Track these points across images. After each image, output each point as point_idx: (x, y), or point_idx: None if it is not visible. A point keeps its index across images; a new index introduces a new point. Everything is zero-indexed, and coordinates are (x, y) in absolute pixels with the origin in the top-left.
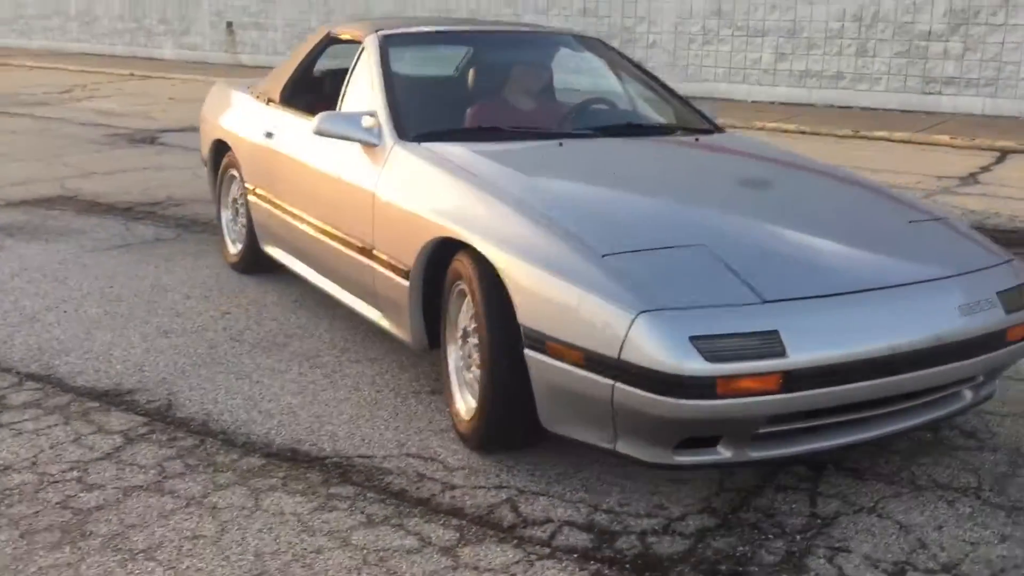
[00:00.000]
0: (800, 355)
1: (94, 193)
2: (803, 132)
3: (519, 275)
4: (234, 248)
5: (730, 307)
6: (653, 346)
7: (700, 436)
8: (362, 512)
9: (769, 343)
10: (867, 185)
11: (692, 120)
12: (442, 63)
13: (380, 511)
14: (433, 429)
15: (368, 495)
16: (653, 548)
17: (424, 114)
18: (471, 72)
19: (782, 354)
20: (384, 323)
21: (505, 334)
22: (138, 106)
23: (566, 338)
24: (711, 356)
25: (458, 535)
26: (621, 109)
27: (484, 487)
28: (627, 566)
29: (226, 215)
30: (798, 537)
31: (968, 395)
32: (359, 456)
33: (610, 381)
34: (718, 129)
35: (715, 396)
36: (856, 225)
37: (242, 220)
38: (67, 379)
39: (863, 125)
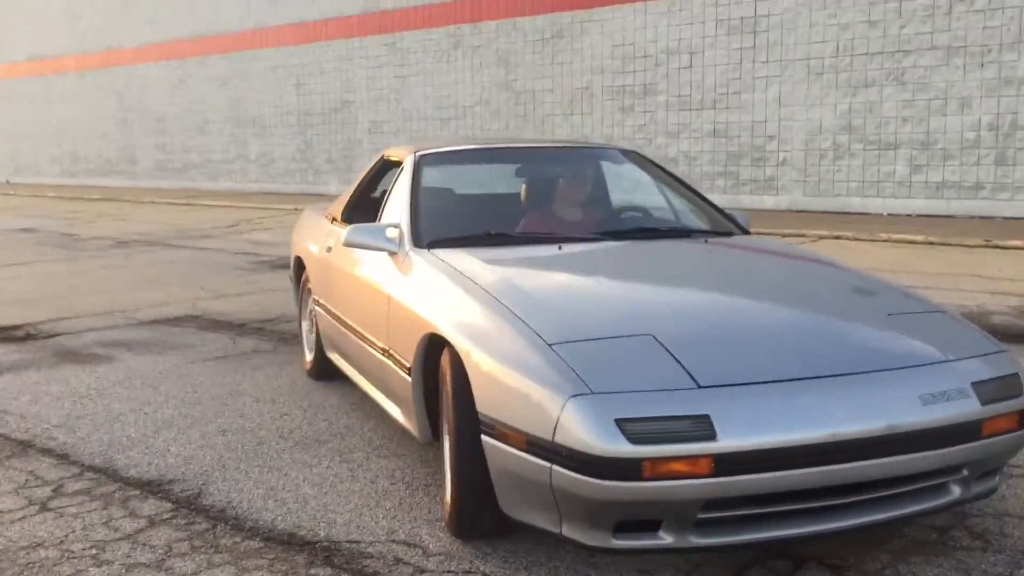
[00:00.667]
0: (732, 440)
1: (219, 312)
2: (931, 243)
3: (479, 364)
4: (309, 356)
5: (663, 391)
6: (581, 429)
7: (640, 520)
8: None
9: (699, 427)
10: (866, 281)
11: (717, 224)
12: (491, 179)
13: None
14: (428, 518)
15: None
16: None
17: (441, 224)
18: (509, 186)
19: (712, 438)
20: (400, 419)
21: (469, 421)
22: (290, 236)
23: (511, 422)
24: (636, 438)
25: None
26: (637, 215)
27: (453, 571)
28: None
29: (305, 326)
30: None
31: (956, 490)
32: (348, 541)
33: (547, 464)
34: (744, 232)
35: (641, 478)
36: (827, 316)
37: (315, 330)
38: (121, 471)
39: (1000, 235)
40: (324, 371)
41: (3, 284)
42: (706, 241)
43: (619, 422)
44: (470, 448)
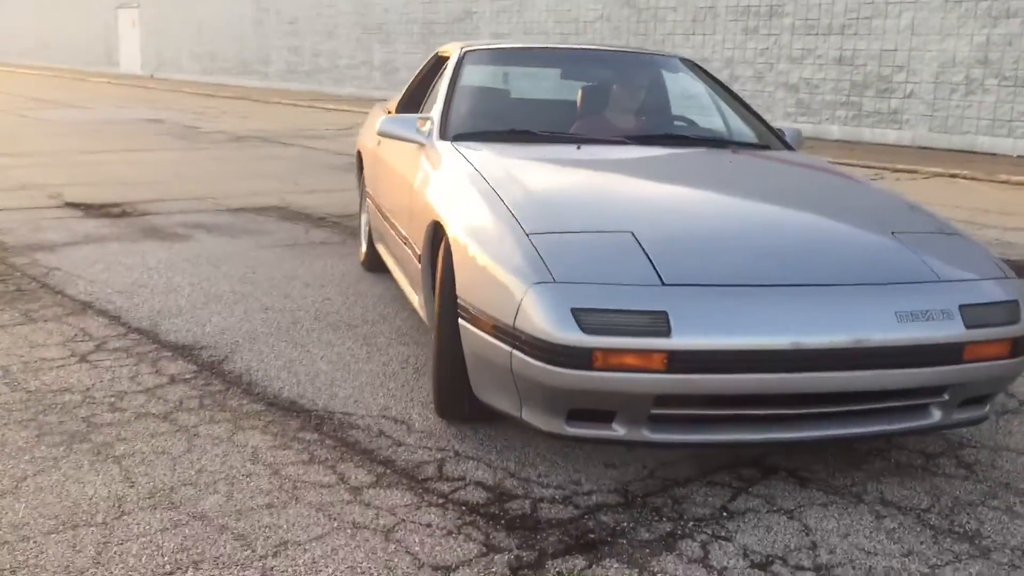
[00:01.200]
0: (686, 337)
1: (303, 205)
2: None
3: (464, 250)
4: (363, 248)
5: (626, 286)
6: (539, 316)
7: (594, 410)
8: (309, 453)
9: (655, 323)
10: (887, 201)
11: (759, 138)
12: (559, 86)
13: (325, 454)
14: (424, 401)
15: (326, 442)
16: (539, 512)
17: (472, 119)
18: (546, 86)
19: (666, 334)
20: (416, 305)
21: (451, 306)
22: None
23: (482, 307)
24: (589, 328)
25: (374, 479)
26: (678, 123)
27: (427, 447)
28: (501, 522)
29: (363, 219)
30: (690, 524)
31: (936, 414)
32: (342, 413)
33: (508, 348)
34: (787, 148)
35: (592, 368)
36: (822, 229)
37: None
38: (162, 335)
39: None
40: (375, 263)
41: (117, 167)
42: (733, 151)
43: (575, 311)
44: (450, 331)
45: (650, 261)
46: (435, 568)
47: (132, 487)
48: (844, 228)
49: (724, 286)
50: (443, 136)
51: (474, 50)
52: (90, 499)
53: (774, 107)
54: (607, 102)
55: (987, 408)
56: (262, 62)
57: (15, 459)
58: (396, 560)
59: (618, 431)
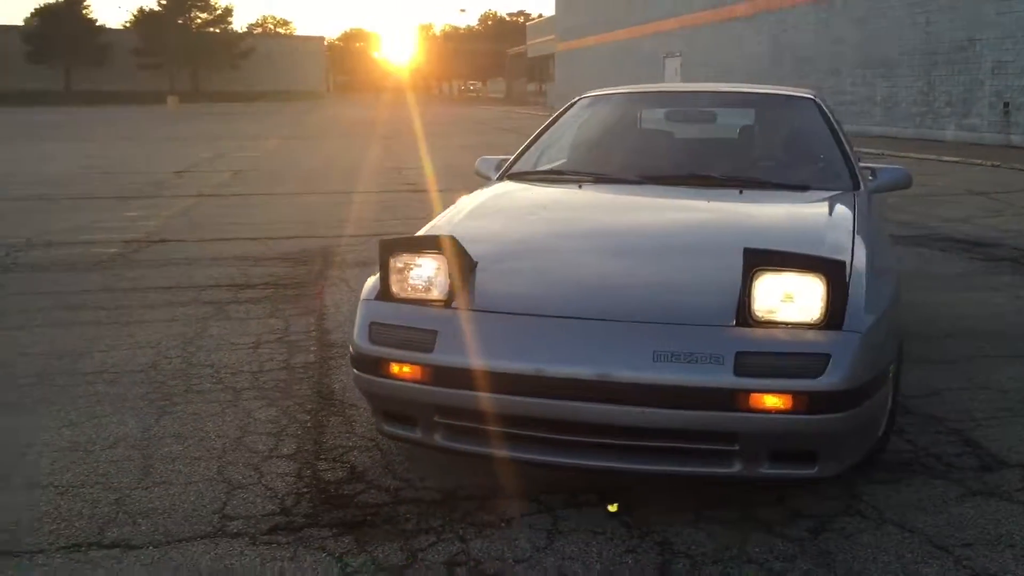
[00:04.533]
0: (445, 355)
1: None
2: None
3: None
4: None
5: (421, 305)
6: (355, 328)
7: (400, 413)
8: None
9: (424, 339)
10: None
11: (813, 178)
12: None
13: None
14: None
15: None
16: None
17: (535, 158)
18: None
19: (429, 350)
20: None
21: None
22: None
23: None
24: (376, 340)
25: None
26: (714, 162)
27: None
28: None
29: None
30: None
31: (737, 464)
32: None
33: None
34: (851, 188)
35: (378, 374)
36: (671, 267)
37: None
38: None
39: None
40: None
41: None
42: (741, 192)
43: (371, 325)
44: None
45: (467, 286)
46: None
47: None
48: (692, 268)
49: (510, 314)
50: (500, 175)
51: (588, 96)
52: None
53: None
54: (693, 144)
55: (816, 468)
56: None
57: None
58: None
59: (416, 434)
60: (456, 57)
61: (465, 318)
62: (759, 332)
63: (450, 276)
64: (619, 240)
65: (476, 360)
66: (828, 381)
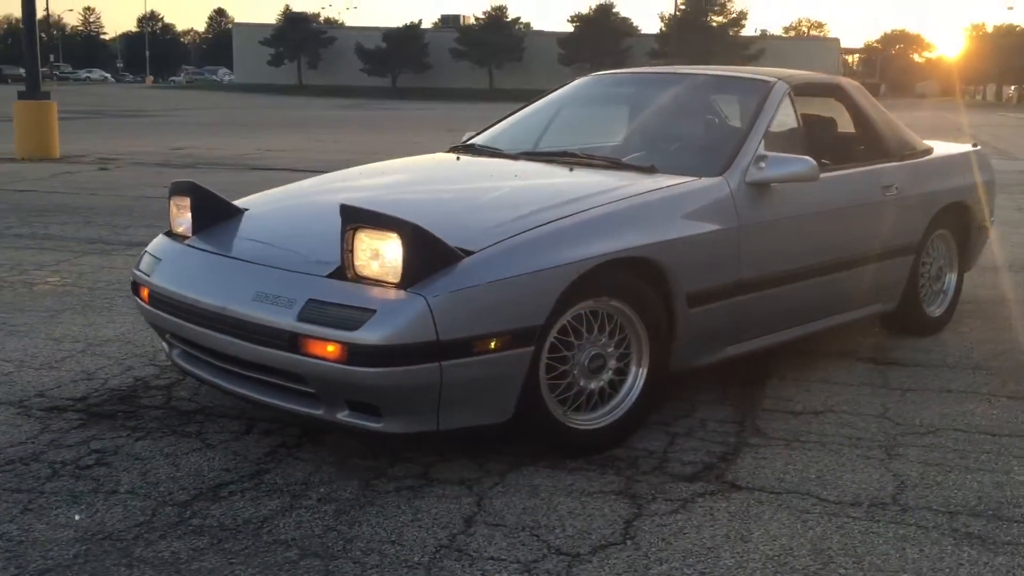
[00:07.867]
0: (156, 279)
1: None
2: None
3: None
4: None
5: (168, 238)
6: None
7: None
8: None
9: (151, 266)
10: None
11: (671, 165)
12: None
13: None
14: None
15: None
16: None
17: (483, 134)
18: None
19: (148, 276)
20: None
21: None
22: None
23: None
24: (137, 266)
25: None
26: (598, 142)
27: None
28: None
29: None
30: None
31: (320, 408)
32: None
33: None
34: (705, 176)
35: (140, 297)
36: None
37: None
38: None
39: None
40: None
41: None
42: (571, 170)
43: (145, 254)
44: None
45: (207, 227)
46: None
47: None
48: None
49: (211, 252)
50: (456, 146)
51: (595, 75)
52: None
53: None
54: (601, 124)
55: (381, 423)
56: None
57: None
58: None
59: (172, 355)
60: (1007, 57)
61: (180, 251)
62: (338, 284)
63: (193, 218)
64: (366, 201)
65: (168, 286)
66: (364, 336)
